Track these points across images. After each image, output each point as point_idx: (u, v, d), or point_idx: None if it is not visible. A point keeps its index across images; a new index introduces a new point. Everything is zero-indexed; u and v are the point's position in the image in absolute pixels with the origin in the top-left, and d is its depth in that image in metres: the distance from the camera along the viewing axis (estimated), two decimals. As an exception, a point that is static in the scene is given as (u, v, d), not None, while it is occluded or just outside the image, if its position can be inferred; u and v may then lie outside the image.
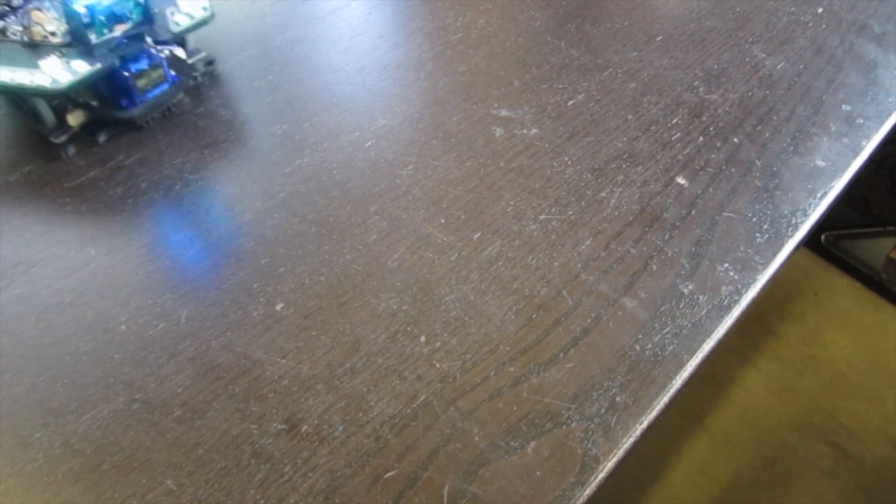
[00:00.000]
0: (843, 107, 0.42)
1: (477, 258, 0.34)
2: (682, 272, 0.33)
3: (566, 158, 0.38)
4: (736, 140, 0.40)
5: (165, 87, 0.40)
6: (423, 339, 0.31)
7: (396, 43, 0.46)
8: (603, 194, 0.37)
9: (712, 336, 0.31)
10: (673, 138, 0.40)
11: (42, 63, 0.36)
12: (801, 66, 0.45)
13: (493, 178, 0.37)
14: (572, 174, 0.37)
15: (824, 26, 0.48)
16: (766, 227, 0.35)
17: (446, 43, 0.46)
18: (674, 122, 0.41)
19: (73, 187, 0.36)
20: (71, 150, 0.39)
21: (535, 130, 0.40)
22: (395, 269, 0.33)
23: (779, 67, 0.45)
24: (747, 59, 0.45)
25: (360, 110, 0.41)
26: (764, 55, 0.45)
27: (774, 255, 0.34)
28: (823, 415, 1.08)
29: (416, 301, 0.32)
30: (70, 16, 0.37)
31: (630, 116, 0.41)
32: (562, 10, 0.49)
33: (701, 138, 0.40)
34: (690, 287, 0.33)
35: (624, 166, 0.38)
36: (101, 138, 0.39)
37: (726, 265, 0.34)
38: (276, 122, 0.40)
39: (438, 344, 0.31)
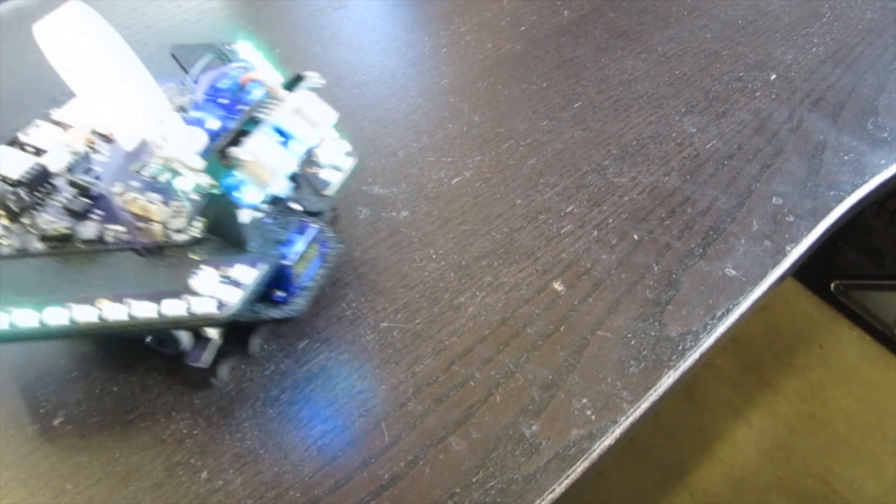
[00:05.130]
0: (774, 199, 0.36)
1: (294, 374, 0.29)
2: (530, 407, 0.28)
3: (431, 251, 0.33)
4: (636, 237, 0.34)
5: (318, 263, 0.29)
6: (204, 474, 0.26)
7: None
8: (462, 299, 0.32)
9: (544, 496, 0.26)
10: (562, 231, 0.34)
11: (193, 281, 0.25)
12: (735, 147, 0.39)
13: (343, 271, 0.33)
14: (433, 271, 0.33)
15: (774, 96, 0.42)
16: (644, 353, 0.30)
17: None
18: (568, 210, 0.35)
19: None
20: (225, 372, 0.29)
21: (405, 213, 0.35)
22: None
23: (709, 146, 0.39)
24: (674, 135, 0.39)
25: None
26: (695, 130, 0.40)
27: (646, 391, 0.29)
28: (816, 479, 1.00)
29: (212, 425, 0.28)
30: (218, 202, 0.25)
31: (519, 201, 0.36)
32: (476, 66, 0.44)
33: (595, 232, 0.34)
34: (534, 428, 0.28)
35: (496, 264, 0.33)
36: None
37: (585, 401, 0.28)
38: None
39: (220, 483, 0.26)
